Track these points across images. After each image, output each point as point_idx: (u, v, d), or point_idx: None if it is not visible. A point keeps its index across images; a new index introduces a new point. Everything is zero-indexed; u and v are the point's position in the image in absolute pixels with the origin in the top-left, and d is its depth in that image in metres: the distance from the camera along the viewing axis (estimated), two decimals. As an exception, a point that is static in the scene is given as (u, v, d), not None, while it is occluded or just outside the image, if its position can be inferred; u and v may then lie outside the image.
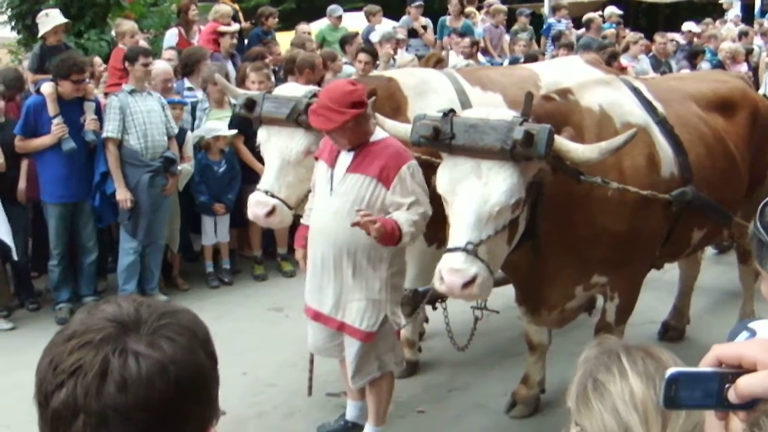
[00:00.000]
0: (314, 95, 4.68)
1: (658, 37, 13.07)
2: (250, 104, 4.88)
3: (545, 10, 17.82)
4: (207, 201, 7.80)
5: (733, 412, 1.18)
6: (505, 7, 14.91)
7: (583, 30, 14.21)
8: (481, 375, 5.86)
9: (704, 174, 4.76)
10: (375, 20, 12.82)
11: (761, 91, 11.81)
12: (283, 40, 11.38)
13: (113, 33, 10.10)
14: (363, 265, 4.32)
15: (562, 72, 6.05)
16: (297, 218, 4.93)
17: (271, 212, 4.73)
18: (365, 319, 4.34)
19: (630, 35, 13.02)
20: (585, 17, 14.29)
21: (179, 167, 7.30)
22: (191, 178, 7.71)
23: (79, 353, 1.29)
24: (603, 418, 1.65)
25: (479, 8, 15.04)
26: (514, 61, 11.43)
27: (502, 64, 11.99)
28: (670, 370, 1.19)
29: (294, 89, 5.06)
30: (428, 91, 5.33)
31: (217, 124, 7.85)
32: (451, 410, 5.40)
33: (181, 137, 7.48)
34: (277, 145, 4.80)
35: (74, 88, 6.87)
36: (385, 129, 4.35)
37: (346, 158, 4.34)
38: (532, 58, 10.49)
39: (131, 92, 7.11)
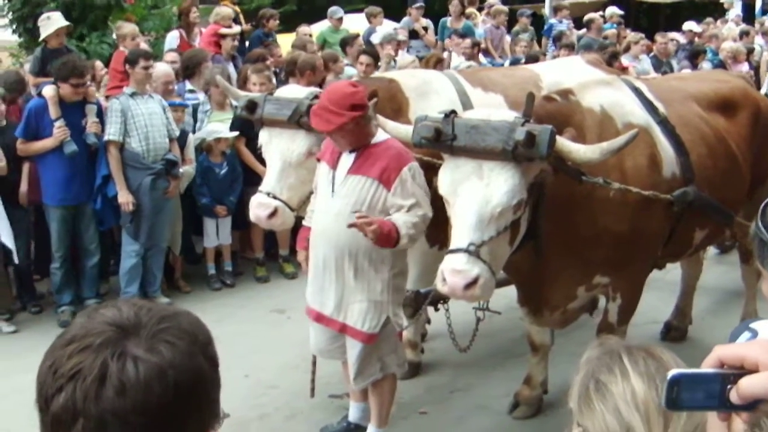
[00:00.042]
0: (315, 97, 4.68)
1: (659, 37, 13.07)
2: (252, 106, 4.88)
3: (546, 10, 17.81)
4: (209, 203, 7.80)
5: (735, 413, 1.18)
6: (506, 8, 14.91)
7: (584, 30, 14.21)
8: (483, 376, 5.86)
9: (706, 174, 4.75)
10: (376, 22, 12.82)
11: (763, 91, 11.81)
12: (284, 42, 11.37)
13: (114, 36, 10.10)
14: (364, 266, 4.32)
15: (564, 72, 6.05)
16: (299, 220, 4.94)
17: (273, 214, 4.73)
18: (367, 320, 4.34)
19: (631, 35, 13.02)
20: (586, 18, 14.29)
21: (181, 169, 7.31)
22: (193, 181, 7.72)
23: (78, 357, 1.29)
24: (605, 418, 1.65)
25: (480, 9, 15.04)
26: (515, 62, 11.43)
27: (503, 65, 11.99)
28: (672, 372, 1.19)
29: (295, 91, 5.07)
30: (429, 93, 5.33)
31: (218, 126, 7.86)
32: (454, 411, 5.40)
33: (182, 139, 7.49)
34: (279, 147, 4.81)
35: (73, 92, 6.88)
36: (386, 130, 4.35)
37: (347, 160, 4.34)
38: (533, 58, 10.49)
39: (132, 95, 7.12)
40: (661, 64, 12.38)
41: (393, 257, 4.36)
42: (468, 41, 11.79)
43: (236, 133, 7.71)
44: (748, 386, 1.13)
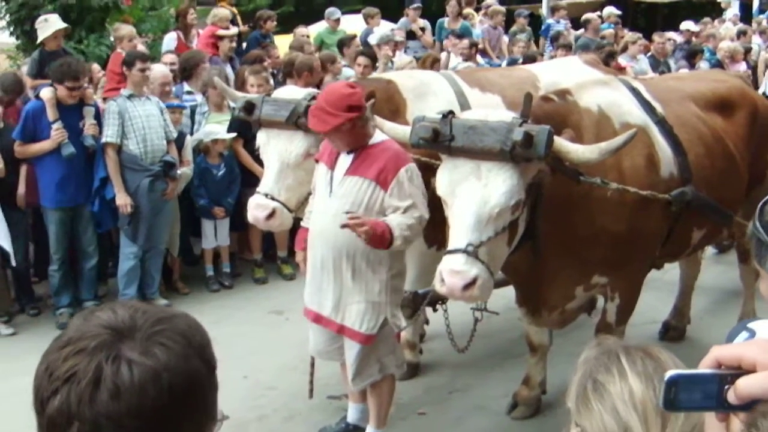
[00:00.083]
0: (313, 98, 4.68)
1: (656, 37, 13.07)
2: (249, 107, 4.88)
3: (543, 11, 17.84)
4: (206, 204, 7.80)
5: (733, 414, 1.18)
6: (503, 9, 14.91)
7: (581, 31, 14.22)
8: (482, 376, 5.86)
9: (703, 174, 4.76)
10: (373, 23, 12.83)
11: (761, 90, 11.82)
12: (282, 43, 11.37)
13: (112, 38, 10.10)
14: (362, 267, 4.32)
15: (561, 73, 6.05)
16: (297, 221, 4.93)
17: (271, 215, 4.73)
18: (365, 321, 4.34)
19: (629, 35, 13.02)
20: (583, 18, 14.30)
21: (179, 171, 7.31)
22: (190, 182, 7.71)
23: (73, 360, 1.29)
24: (603, 418, 1.65)
25: (477, 9, 15.05)
26: (512, 62, 11.43)
27: (500, 65, 11.99)
28: (670, 372, 1.19)
29: (293, 92, 5.07)
30: (427, 93, 5.33)
31: (215, 128, 7.85)
32: (452, 412, 5.40)
33: (180, 141, 7.48)
34: (277, 148, 4.80)
35: (68, 95, 6.87)
36: (383, 131, 4.35)
37: (345, 161, 4.35)
38: (530, 59, 10.48)
39: (130, 97, 7.12)
40: (658, 64, 12.39)
41: (391, 258, 4.36)
42: (465, 42, 11.78)
43: (233, 135, 7.71)
44: (745, 386, 1.13)
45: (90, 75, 7.93)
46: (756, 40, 15.45)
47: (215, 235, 8.01)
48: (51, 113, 6.82)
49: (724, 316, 6.44)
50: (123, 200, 6.95)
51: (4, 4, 11.01)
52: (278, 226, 4.94)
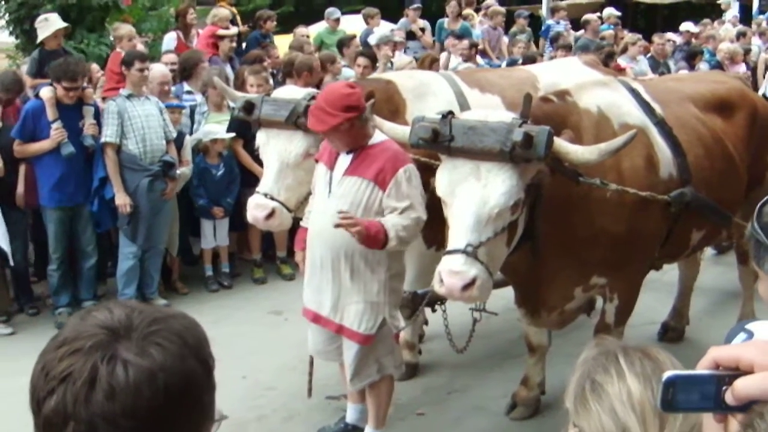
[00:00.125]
0: (313, 98, 4.68)
1: (656, 38, 13.07)
2: (249, 107, 4.88)
3: (543, 11, 17.85)
4: (206, 204, 7.80)
5: (731, 415, 1.18)
6: (503, 9, 14.92)
7: (581, 31, 14.23)
8: (480, 377, 5.86)
9: (703, 175, 4.76)
10: (373, 23, 12.83)
11: (761, 92, 11.82)
12: (282, 43, 11.37)
13: (111, 37, 10.10)
14: (361, 267, 4.32)
15: (561, 73, 6.05)
16: (297, 221, 4.93)
17: (271, 215, 4.73)
18: (363, 321, 4.34)
19: (628, 36, 13.03)
20: (583, 19, 14.31)
21: (178, 171, 7.31)
22: (189, 182, 7.71)
23: (69, 360, 1.29)
24: (601, 419, 1.65)
25: (477, 10, 15.05)
26: (511, 63, 11.44)
27: (500, 66, 11.99)
28: (667, 373, 1.19)
29: (293, 92, 5.06)
30: (427, 94, 5.33)
31: (215, 127, 7.85)
32: (451, 412, 5.40)
33: (179, 141, 7.48)
34: (276, 148, 4.80)
35: (65, 95, 6.86)
36: (383, 131, 4.35)
37: (344, 161, 4.35)
38: (530, 59, 10.49)
39: (129, 97, 7.12)
40: (658, 65, 12.39)
41: (389, 259, 4.36)
42: (465, 42, 11.78)
43: (232, 134, 7.70)
44: (743, 387, 1.13)
45: (89, 75, 7.92)
46: (755, 42, 15.46)
47: (214, 235, 8.01)
48: (50, 113, 6.82)
49: (723, 318, 6.44)
50: (122, 200, 6.95)
51: (3, 3, 11.02)
52: (278, 226, 4.94)
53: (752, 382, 1.13)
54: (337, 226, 4.02)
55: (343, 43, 10.88)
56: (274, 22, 11.83)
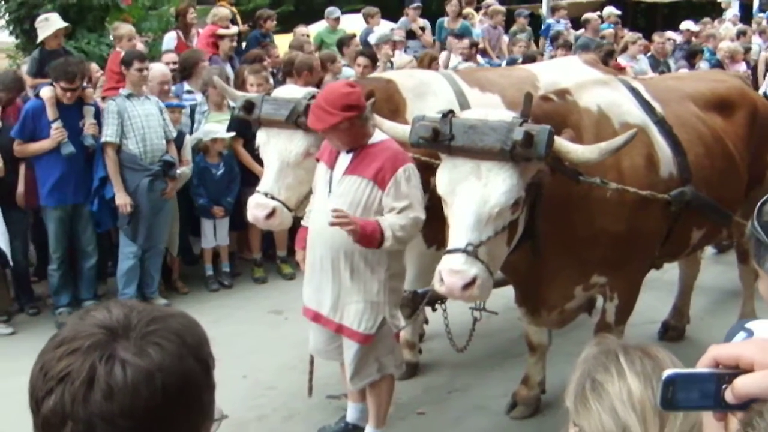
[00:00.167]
0: (313, 97, 4.67)
1: (656, 37, 13.07)
2: (249, 106, 4.87)
3: (543, 10, 17.83)
4: (206, 204, 7.80)
5: (731, 413, 1.18)
6: (503, 8, 14.91)
7: (581, 30, 14.22)
8: (481, 376, 5.86)
9: (703, 174, 4.76)
10: (373, 22, 12.83)
11: (761, 90, 11.82)
12: (282, 43, 11.37)
13: (111, 37, 10.10)
14: (360, 267, 4.32)
15: (561, 72, 6.05)
16: (297, 220, 4.93)
17: (271, 214, 4.72)
18: (363, 321, 4.34)
19: (628, 35, 13.02)
20: (583, 17, 14.30)
21: (178, 171, 7.31)
22: (189, 181, 7.71)
23: (67, 360, 1.29)
24: (601, 418, 1.65)
25: (477, 9, 15.05)
26: (512, 62, 11.43)
27: (500, 65, 11.99)
28: (667, 372, 1.19)
29: (293, 91, 5.06)
30: (427, 93, 5.33)
31: (214, 127, 7.85)
32: (452, 412, 5.40)
33: (179, 140, 7.48)
34: (277, 147, 4.80)
35: (62, 95, 6.86)
36: (383, 130, 4.35)
37: (344, 160, 4.35)
38: (530, 58, 10.48)
39: (129, 96, 7.12)
40: (658, 64, 12.39)
41: (389, 258, 4.36)
42: (466, 41, 11.78)
43: (232, 134, 7.70)
44: (743, 386, 1.13)
45: (89, 74, 7.92)
46: (756, 40, 15.45)
47: (215, 234, 8.01)
48: (51, 112, 6.82)
49: (723, 316, 6.44)
50: (122, 200, 6.95)
51: (3, 3, 11.00)
52: (278, 225, 4.93)
53: (752, 381, 1.13)
54: (332, 224, 4.02)
55: (343, 43, 10.88)
56: (274, 22, 11.84)
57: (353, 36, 11.38)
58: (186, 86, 8.52)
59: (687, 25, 15.64)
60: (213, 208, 7.81)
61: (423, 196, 4.31)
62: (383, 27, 12.75)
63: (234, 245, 8.45)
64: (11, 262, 6.85)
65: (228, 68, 9.48)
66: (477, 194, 3.71)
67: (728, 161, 5.06)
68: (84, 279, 7.28)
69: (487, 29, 14.03)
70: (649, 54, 12.71)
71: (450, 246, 3.73)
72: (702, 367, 1.19)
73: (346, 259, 4.32)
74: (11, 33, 11.26)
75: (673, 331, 6.48)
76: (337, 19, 12.71)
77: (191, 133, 7.92)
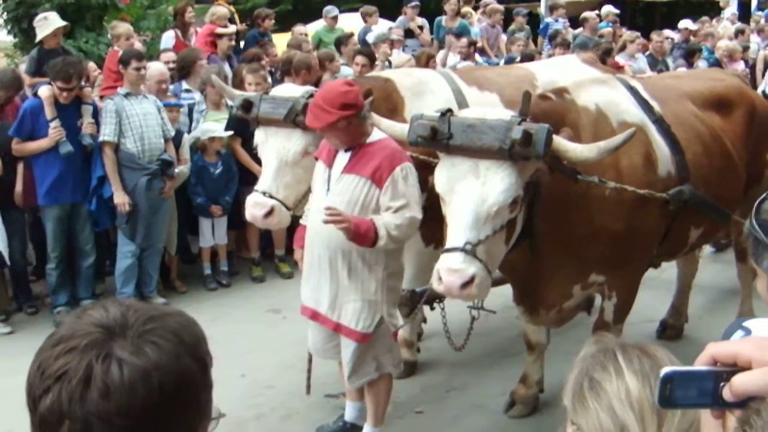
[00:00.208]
0: (311, 96, 4.67)
1: (654, 36, 13.07)
2: (247, 105, 4.87)
3: (542, 9, 17.84)
4: (204, 203, 7.79)
5: (728, 411, 1.18)
6: (501, 7, 14.90)
7: (579, 29, 14.22)
8: (479, 375, 5.86)
9: (701, 172, 4.76)
10: (371, 21, 12.82)
11: (760, 89, 11.82)
12: (280, 42, 11.37)
13: (110, 36, 10.09)
14: (358, 266, 4.32)
15: (559, 71, 6.05)
16: (295, 219, 4.93)
17: (270, 213, 4.72)
18: (361, 320, 4.34)
19: (627, 34, 13.03)
20: (581, 16, 14.30)
21: (176, 170, 7.30)
22: (187, 180, 7.70)
23: (64, 359, 1.29)
24: (599, 416, 1.65)
25: (476, 8, 15.04)
26: (510, 61, 11.43)
27: (498, 63, 11.99)
28: (665, 369, 1.19)
29: (291, 90, 5.06)
30: (425, 92, 5.33)
31: (212, 126, 7.84)
32: (450, 410, 5.40)
33: (177, 139, 7.48)
34: (275, 146, 4.80)
35: (59, 94, 6.86)
36: (381, 129, 4.35)
37: (343, 158, 4.35)
38: (528, 57, 10.48)
39: (126, 95, 7.11)
40: (656, 63, 12.39)
41: (387, 257, 4.35)
42: (464, 40, 11.78)
43: (230, 133, 7.70)
44: (741, 384, 1.13)
45: (87, 74, 7.91)
46: (754, 39, 15.44)
47: (213, 233, 8.01)
48: (49, 111, 6.81)
49: (721, 315, 6.45)
50: (121, 199, 6.95)
51: (1, 2, 10.98)
52: (276, 224, 4.93)
53: (750, 379, 1.13)
54: (326, 222, 4.02)
55: (342, 42, 10.87)
56: (273, 21, 11.83)
57: (351, 35, 11.37)
58: (184, 85, 8.51)
59: (685, 23, 15.64)
60: (211, 207, 7.80)
61: (420, 195, 4.31)
62: (381, 26, 12.74)
63: (232, 244, 8.45)
64: (9, 262, 6.85)
65: (226, 67, 9.47)
66: (475, 193, 3.71)
67: (726, 160, 5.06)
68: (82, 278, 7.27)
69: (485, 28, 14.03)
70: (647, 53, 12.71)
71: (448, 245, 3.73)
72: (700, 365, 1.19)
73: (343, 258, 4.31)
74: (9, 32, 11.24)
75: (671, 329, 6.48)
76: (335, 18, 12.71)
77: (189, 132, 7.92)
